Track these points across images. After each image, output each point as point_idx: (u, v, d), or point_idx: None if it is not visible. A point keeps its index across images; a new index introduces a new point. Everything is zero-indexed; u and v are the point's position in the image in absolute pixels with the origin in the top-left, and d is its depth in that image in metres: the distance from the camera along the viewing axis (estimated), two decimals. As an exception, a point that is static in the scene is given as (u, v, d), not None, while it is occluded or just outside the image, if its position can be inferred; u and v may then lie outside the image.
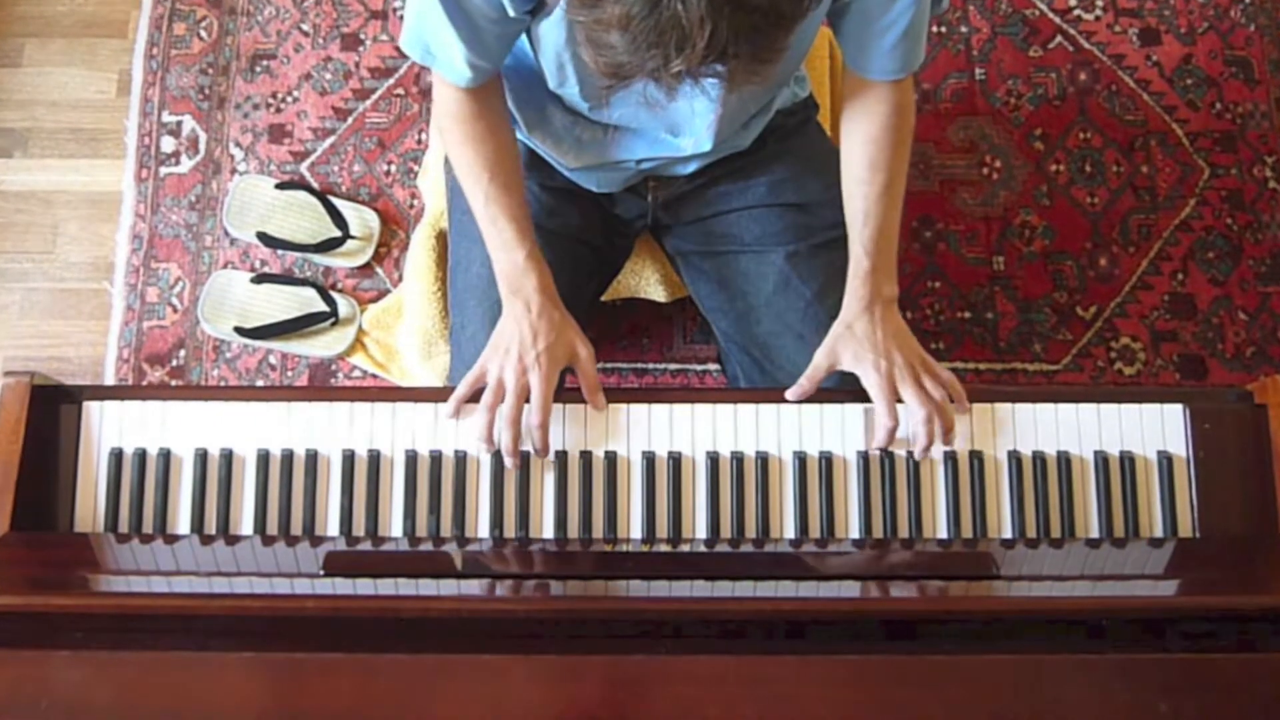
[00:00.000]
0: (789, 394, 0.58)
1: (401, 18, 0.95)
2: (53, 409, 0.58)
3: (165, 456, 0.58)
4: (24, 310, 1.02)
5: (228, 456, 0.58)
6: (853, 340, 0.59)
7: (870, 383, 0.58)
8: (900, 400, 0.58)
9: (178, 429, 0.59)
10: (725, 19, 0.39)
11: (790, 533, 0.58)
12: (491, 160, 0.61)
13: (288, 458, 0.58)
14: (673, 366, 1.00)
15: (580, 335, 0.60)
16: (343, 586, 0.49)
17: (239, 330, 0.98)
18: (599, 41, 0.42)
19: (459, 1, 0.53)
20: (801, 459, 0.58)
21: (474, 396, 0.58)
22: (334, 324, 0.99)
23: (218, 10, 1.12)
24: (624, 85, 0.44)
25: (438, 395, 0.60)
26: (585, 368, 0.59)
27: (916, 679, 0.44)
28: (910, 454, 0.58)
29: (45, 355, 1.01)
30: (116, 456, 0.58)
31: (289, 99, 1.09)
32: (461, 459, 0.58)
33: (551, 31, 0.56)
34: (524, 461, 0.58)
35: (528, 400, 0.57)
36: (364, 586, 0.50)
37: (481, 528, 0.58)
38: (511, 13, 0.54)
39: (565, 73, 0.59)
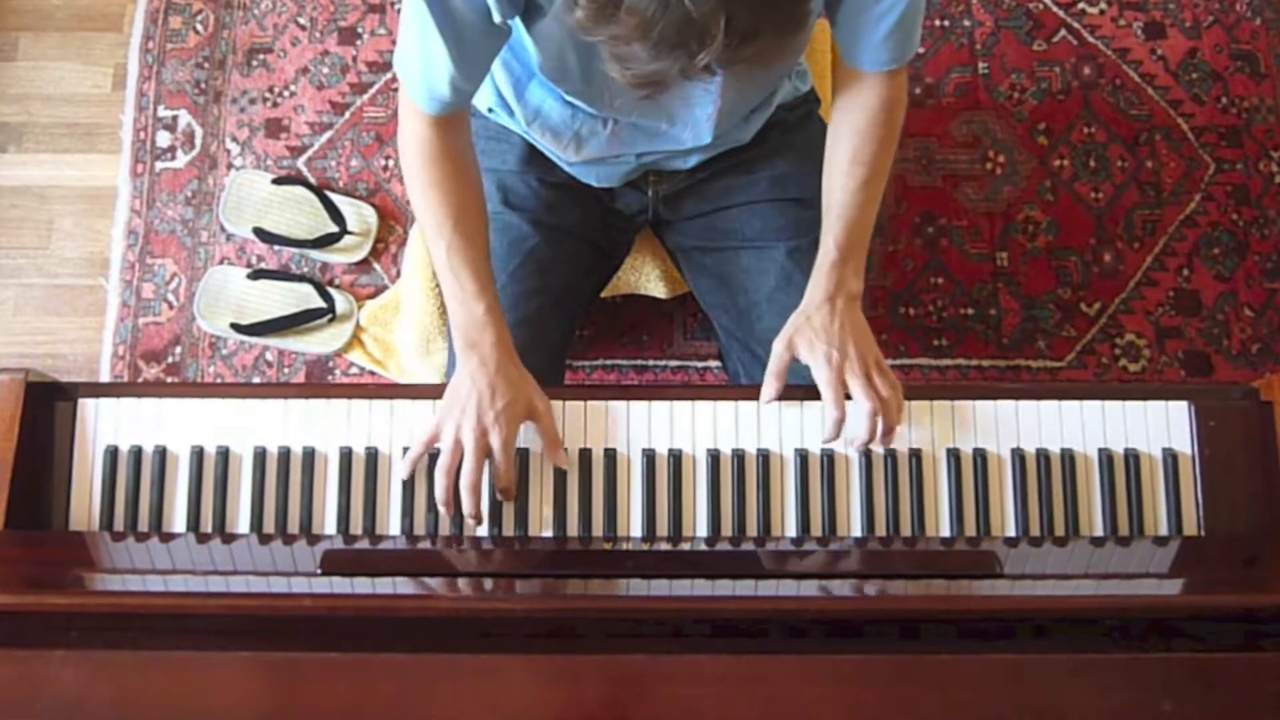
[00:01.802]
0: (762, 398, 0.58)
1: (399, 10, 0.93)
2: (47, 406, 0.57)
3: (161, 454, 0.58)
4: (18, 306, 1.02)
5: (224, 454, 0.58)
6: (809, 330, 0.58)
7: (819, 374, 0.57)
8: (850, 396, 0.57)
9: (173, 426, 0.58)
10: (738, 2, 0.39)
11: (792, 531, 0.57)
12: (456, 207, 0.59)
13: (284, 455, 0.58)
14: (673, 363, 1.00)
15: (538, 391, 0.58)
16: (340, 585, 0.49)
17: (235, 327, 0.98)
18: (623, 55, 0.42)
19: (447, 10, 0.53)
20: (803, 456, 0.58)
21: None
22: (331, 320, 0.98)
23: (214, 4, 1.11)
24: (661, 91, 0.44)
25: (435, 393, 0.59)
26: (545, 425, 0.57)
27: (919, 679, 0.44)
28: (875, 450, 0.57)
29: (40, 352, 1.00)
30: (112, 454, 0.58)
31: (286, 93, 1.08)
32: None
33: (551, 27, 0.56)
34: (523, 459, 0.58)
35: (490, 459, 0.56)
36: (362, 585, 0.49)
37: (480, 526, 0.57)
38: (496, 18, 0.53)
39: (566, 67, 0.59)
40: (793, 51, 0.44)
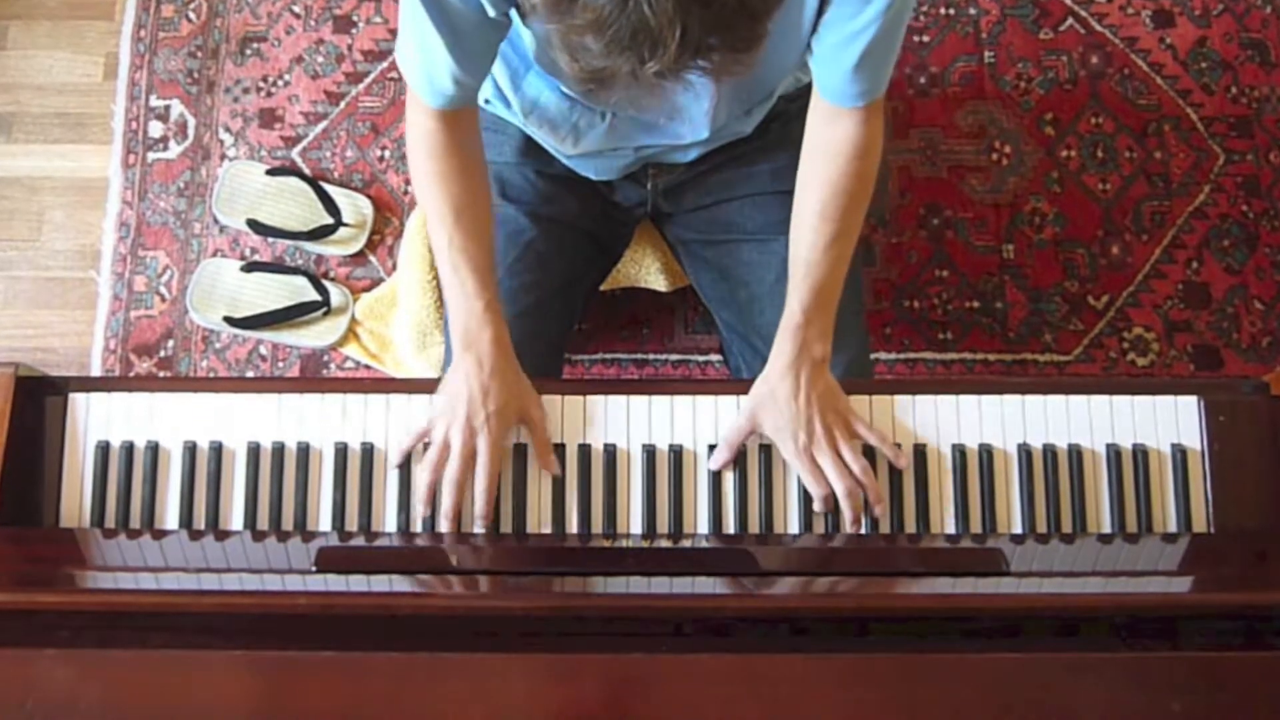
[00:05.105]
0: (710, 465, 0.56)
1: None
2: (37, 401, 0.57)
3: (153, 449, 0.57)
4: (8, 300, 1.01)
5: (217, 449, 0.57)
6: (773, 407, 0.56)
7: (788, 455, 0.56)
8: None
9: (166, 421, 0.57)
10: (694, 17, 0.38)
11: (795, 527, 0.56)
12: (459, 202, 0.58)
13: (279, 451, 0.57)
14: (674, 357, 0.99)
15: (534, 397, 0.57)
16: (335, 583, 0.48)
17: (228, 320, 0.96)
18: (574, 46, 0.41)
19: (442, 7, 0.52)
20: (806, 452, 0.57)
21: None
22: (326, 313, 0.97)
23: (206, -9, 1.09)
24: (605, 88, 0.43)
25: (431, 387, 0.58)
26: (537, 432, 0.56)
27: (923, 678, 0.43)
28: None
29: (30, 345, 0.99)
30: (103, 449, 0.57)
31: (280, 83, 1.07)
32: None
33: (538, 24, 0.54)
34: (520, 455, 0.57)
35: (476, 463, 0.55)
36: (357, 583, 0.49)
37: (478, 523, 0.56)
38: (491, 13, 0.52)
39: (557, 64, 0.58)
40: (745, 67, 0.41)
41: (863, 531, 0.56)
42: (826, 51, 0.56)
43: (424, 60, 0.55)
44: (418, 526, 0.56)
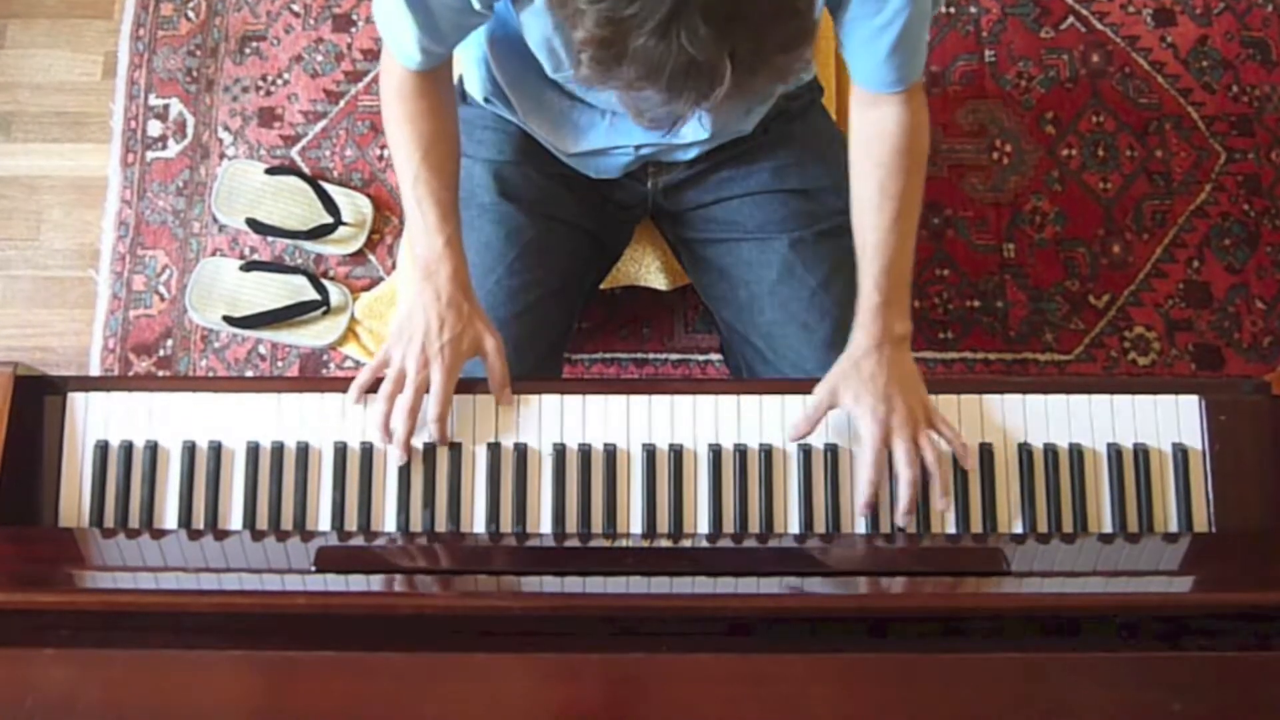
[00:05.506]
0: (790, 436, 0.56)
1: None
2: (36, 400, 0.57)
3: (152, 449, 0.57)
4: (7, 299, 1.01)
5: (216, 449, 0.57)
6: (856, 380, 0.55)
7: (865, 428, 0.55)
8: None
9: (165, 421, 0.57)
10: (740, 37, 0.38)
11: (794, 527, 0.56)
12: (427, 139, 0.59)
13: (278, 450, 0.57)
14: (674, 357, 0.99)
15: (489, 327, 0.58)
16: (335, 583, 0.48)
17: (227, 319, 0.96)
18: (640, 101, 0.42)
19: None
20: (806, 452, 0.57)
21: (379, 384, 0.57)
22: (325, 313, 0.97)
23: (205, -11, 1.09)
24: (682, 126, 0.43)
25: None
26: (492, 360, 0.57)
27: (924, 678, 0.43)
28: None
29: (29, 345, 0.99)
30: (102, 449, 0.57)
31: (279, 81, 1.07)
32: (456, 452, 0.57)
33: (535, 20, 0.54)
34: (521, 454, 0.57)
35: (429, 391, 0.55)
36: (357, 583, 0.48)
37: (477, 522, 0.56)
38: (476, 5, 0.52)
39: (558, 58, 0.58)
40: (805, 61, 0.43)
41: (862, 531, 0.56)
42: (856, 46, 0.56)
43: (396, 28, 0.56)
44: (417, 526, 0.56)
